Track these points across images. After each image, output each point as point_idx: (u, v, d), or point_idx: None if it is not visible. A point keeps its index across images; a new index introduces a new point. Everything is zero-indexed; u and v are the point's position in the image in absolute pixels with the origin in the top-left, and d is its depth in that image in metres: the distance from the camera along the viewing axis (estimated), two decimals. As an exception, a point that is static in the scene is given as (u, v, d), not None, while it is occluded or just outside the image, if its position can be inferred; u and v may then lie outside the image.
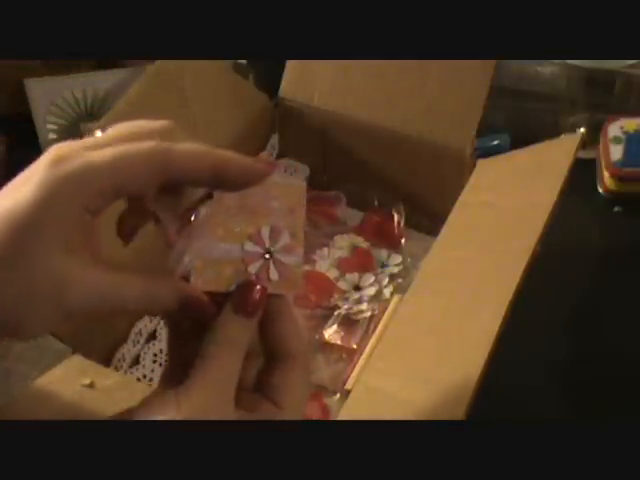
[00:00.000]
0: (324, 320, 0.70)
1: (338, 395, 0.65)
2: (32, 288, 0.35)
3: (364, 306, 0.70)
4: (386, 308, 0.68)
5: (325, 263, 0.73)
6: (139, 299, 0.37)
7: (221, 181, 0.38)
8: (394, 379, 0.54)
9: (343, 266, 0.73)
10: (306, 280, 0.72)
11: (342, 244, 0.75)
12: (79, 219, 0.36)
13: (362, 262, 0.73)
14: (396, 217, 0.76)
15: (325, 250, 0.75)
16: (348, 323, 0.69)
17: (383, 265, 0.73)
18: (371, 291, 0.71)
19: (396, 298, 0.69)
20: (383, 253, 0.74)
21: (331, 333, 0.68)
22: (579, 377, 0.68)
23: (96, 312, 0.37)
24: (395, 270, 0.73)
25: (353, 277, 0.72)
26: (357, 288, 0.71)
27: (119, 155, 0.36)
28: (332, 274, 0.72)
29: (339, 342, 0.68)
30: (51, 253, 0.35)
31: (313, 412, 0.64)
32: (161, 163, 0.37)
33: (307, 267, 0.73)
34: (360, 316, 0.69)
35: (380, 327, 0.66)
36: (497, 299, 0.53)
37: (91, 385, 0.52)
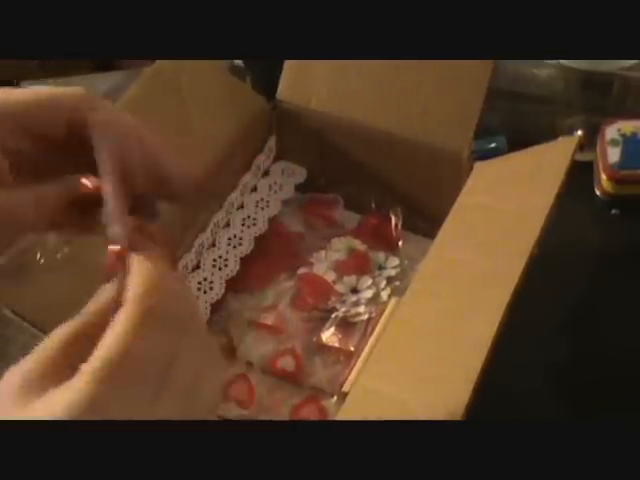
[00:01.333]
0: (321, 323, 0.69)
1: (335, 398, 0.64)
2: None
3: (361, 309, 0.70)
4: (383, 311, 0.68)
5: (322, 266, 0.73)
6: (30, 206, 0.39)
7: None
8: (392, 381, 0.54)
9: (340, 269, 0.73)
10: (303, 283, 0.72)
11: (339, 247, 0.75)
12: None
13: (359, 265, 0.73)
14: (393, 219, 0.76)
15: (322, 253, 0.74)
16: (345, 325, 0.69)
17: (380, 268, 0.73)
18: (368, 294, 0.71)
19: (393, 301, 0.69)
20: (380, 256, 0.74)
21: (328, 335, 0.68)
22: (577, 378, 0.68)
23: None
24: (392, 273, 0.73)
25: (350, 280, 0.72)
26: (354, 291, 0.71)
27: (41, 93, 0.40)
28: (329, 277, 0.72)
29: (337, 344, 0.68)
30: None
31: (311, 414, 0.64)
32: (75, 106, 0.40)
33: (305, 270, 0.73)
34: (357, 319, 0.69)
35: (377, 329, 0.66)
36: (495, 301, 0.53)
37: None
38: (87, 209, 0.41)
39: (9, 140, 0.39)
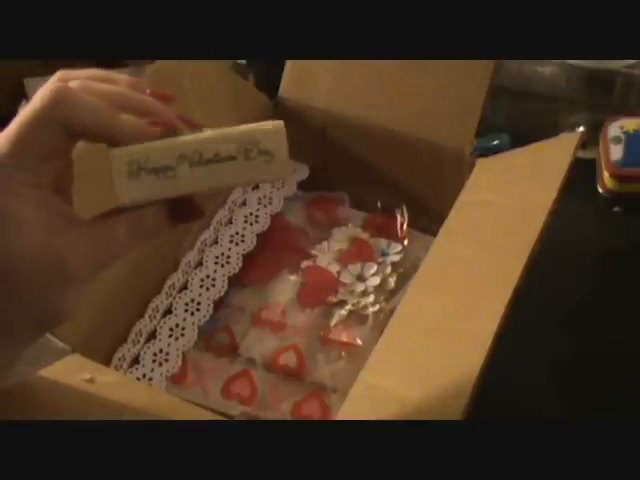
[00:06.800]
0: (327, 317, 0.69)
1: (337, 394, 0.64)
2: None
3: (371, 298, 0.69)
4: (392, 305, 0.68)
5: (326, 258, 0.73)
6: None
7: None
8: (393, 378, 0.54)
9: (344, 259, 0.73)
10: (308, 276, 0.72)
11: (341, 237, 0.75)
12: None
13: (363, 252, 0.73)
14: (399, 219, 0.76)
15: (324, 244, 0.74)
16: (354, 319, 0.69)
17: (384, 254, 0.73)
18: (375, 281, 0.71)
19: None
20: (382, 242, 0.74)
21: (336, 330, 0.68)
22: (579, 376, 0.68)
23: None
24: (396, 258, 0.72)
25: (355, 268, 0.72)
26: (361, 279, 0.71)
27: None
28: (334, 269, 0.72)
29: (344, 339, 0.67)
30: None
31: (313, 411, 0.64)
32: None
33: (308, 263, 0.73)
34: (369, 310, 0.69)
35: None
36: (496, 298, 0.53)
37: (91, 380, 0.52)
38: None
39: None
